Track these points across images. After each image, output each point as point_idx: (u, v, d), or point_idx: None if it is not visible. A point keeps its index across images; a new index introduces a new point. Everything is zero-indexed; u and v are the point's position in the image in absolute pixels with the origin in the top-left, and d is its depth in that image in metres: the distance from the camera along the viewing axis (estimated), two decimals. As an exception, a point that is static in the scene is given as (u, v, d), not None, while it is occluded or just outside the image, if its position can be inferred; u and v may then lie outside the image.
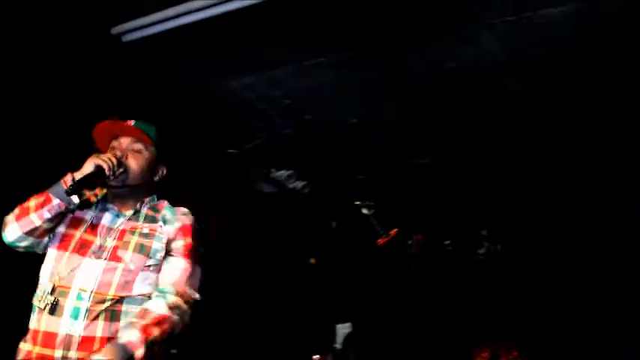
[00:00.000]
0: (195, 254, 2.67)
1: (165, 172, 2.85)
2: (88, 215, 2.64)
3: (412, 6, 3.84)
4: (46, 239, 2.59)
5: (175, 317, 2.46)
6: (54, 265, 2.52)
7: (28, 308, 2.55)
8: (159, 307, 2.45)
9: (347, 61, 4.47)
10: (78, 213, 2.62)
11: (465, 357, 6.27)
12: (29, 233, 2.50)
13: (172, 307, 2.46)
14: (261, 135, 5.65)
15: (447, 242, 7.07)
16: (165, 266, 2.59)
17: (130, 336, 2.31)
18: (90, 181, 2.46)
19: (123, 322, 2.44)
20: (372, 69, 4.56)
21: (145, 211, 2.72)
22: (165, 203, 2.81)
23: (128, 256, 2.53)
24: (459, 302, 6.63)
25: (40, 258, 2.62)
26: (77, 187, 2.42)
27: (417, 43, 4.22)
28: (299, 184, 6.58)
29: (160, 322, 2.40)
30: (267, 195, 6.65)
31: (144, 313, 2.43)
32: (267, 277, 6.51)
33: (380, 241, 6.62)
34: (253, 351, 6.33)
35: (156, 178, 2.82)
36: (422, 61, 4.44)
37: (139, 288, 2.53)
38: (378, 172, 6.39)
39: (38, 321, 2.46)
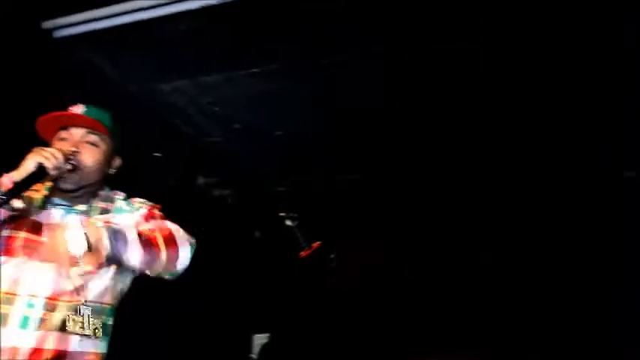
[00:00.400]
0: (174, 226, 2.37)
1: (119, 163, 2.55)
2: (33, 213, 2.28)
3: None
4: None
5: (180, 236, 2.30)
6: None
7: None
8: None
9: (276, 73, 4.49)
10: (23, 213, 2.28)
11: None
12: None
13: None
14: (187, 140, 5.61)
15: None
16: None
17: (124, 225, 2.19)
18: (31, 183, 2.10)
19: (75, 336, 2.19)
20: (299, 82, 4.59)
21: (97, 203, 2.41)
22: (120, 194, 2.53)
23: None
24: (379, 316, 6.69)
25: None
26: (15, 192, 2.05)
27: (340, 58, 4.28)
28: (224, 193, 6.56)
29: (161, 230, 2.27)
30: (191, 201, 6.60)
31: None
32: (186, 285, 6.43)
33: (303, 253, 6.65)
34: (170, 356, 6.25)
35: (112, 171, 2.52)
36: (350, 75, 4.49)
37: (95, 293, 2.27)
38: (304, 184, 6.43)
39: None
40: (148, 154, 5.75)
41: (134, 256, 2.12)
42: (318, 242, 6.68)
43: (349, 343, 6.48)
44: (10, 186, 2.06)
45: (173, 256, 2.23)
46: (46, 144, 2.39)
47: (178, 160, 5.98)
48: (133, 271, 2.37)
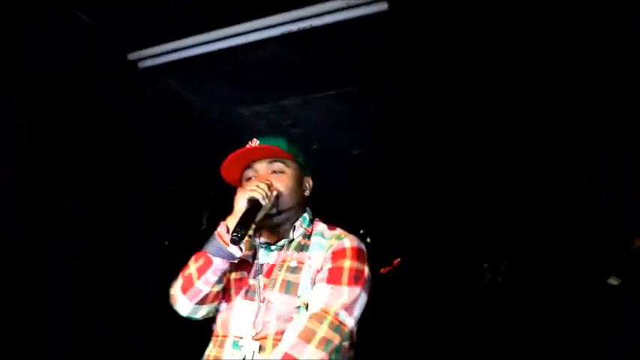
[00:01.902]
0: (348, 277, 2.12)
1: (311, 183, 2.43)
2: (241, 255, 2.23)
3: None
4: (218, 303, 2.28)
5: (306, 342, 2.01)
6: (220, 318, 2.27)
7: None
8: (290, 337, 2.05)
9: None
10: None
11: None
12: (201, 302, 2.20)
13: (308, 332, 2.03)
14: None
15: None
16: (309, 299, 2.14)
17: None
18: (250, 219, 2.09)
19: None
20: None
21: (297, 238, 2.31)
22: (319, 225, 2.36)
23: (274, 296, 2.17)
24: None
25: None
26: (241, 232, 2.02)
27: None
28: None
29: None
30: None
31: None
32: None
33: (384, 270, 6.66)
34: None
35: (306, 193, 2.40)
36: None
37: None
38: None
39: None
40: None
41: None
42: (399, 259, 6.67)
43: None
44: (235, 231, 2.04)
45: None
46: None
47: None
48: None
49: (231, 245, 2.09)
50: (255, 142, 2.30)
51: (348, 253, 2.17)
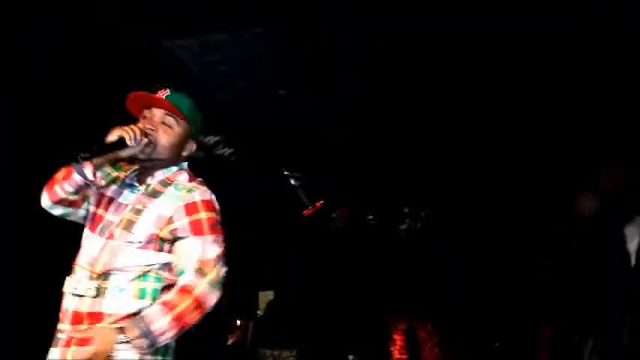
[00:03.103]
0: (208, 227, 2.45)
1: (194, 147, 2.69)
2: (111, 191, 2.58)
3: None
4: (81, 211, 2.58)
5: (203, 293, 2.32)
6: (82, 244, 2.53)
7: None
8: (186, 285, 2.34)
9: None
10: (106, 189, 2.58)
11: (382, 326, 6.45)
12: (57, 203, 2.51)
13: (200, 283, 2.33)
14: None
15: (370, 217, 7.22)
16: (177, 251, 2.43)
17: (151, 309, 2.28)
18: (110, 149, 2.38)
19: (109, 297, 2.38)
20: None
21: (152, 184, 2.57)
22: (182, 175, 2.63)
23: (117, 232, 2.44)
24: (378, 275, 6.77)
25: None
26: (95, 154, 2.34)
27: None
28: (227, 151, 6.57)
29: (188, 298, 2.29)
30: (194, 160, 6.61)
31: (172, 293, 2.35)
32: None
33: (306, 212, 6.69)
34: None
35: (184, 154, 2.66)
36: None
37: (123, 262, 2.40)
38: (305, 143, 6.45)
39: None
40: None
41: (170, 337, 2.29)
42: (322, 201, 6.71)
43: (353, 298, 6.58)
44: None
45: (201, 316, 2.35)
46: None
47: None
48: None
49: (87, 167, 2.37)
50: (164, 93, 2.58)
51: (200, 205, 2.47)
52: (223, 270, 2.40)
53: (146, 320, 2.24)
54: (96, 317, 2.32)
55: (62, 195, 2.47)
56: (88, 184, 2.45)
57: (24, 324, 4.27)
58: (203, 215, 2.45)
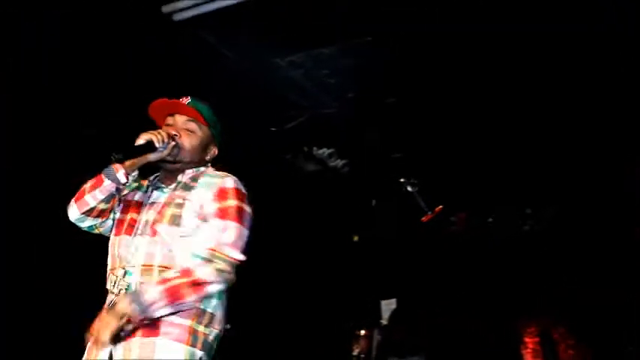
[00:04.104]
0: (234, 215, 2.50)
1: (216, 152, 2.82)
2: (138, 196, 2.68)
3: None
4: (109, 222, 2.66)
5: (204, 275, 2.34)
6: (111, 250, 2.59)
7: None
8: (188, 268, 2.37)
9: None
10: (131, 196, 2.69)
11: (512, 333, 6.31)
12: (87, 213, 2.57)
13: (204, 266, 2.37)
14: (302, 113, 5.68)
15: (490, 220, 7.06)
16: (198, 232, 2.47)
17: (149, 287, 2.32)
18: (137, 152, 2.48)
19: None
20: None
21: (184, 180, 2.65)
22: (209, 170, 2.75)
23: (163, 228, 2.48)
24: (503, 279, 6.63)
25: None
26: (119, 156, 2.42)
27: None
28: (340, 163, 6.60)
29: (185, 277, 2.32)
30: (308, 173, 6.68)
31: (171, 272, 2.38)
32: (311, 255, 6.56)
33: (424, 218, 6.62)
34: (300, 327, 6.42)
35: (207, 158, 2.78)
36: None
37: (182, 260, 2.44)
38: (420, 149, 6.41)
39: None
40: (264, 130, 5.87)
41: (164, 312, 2.31)
42: (441, 206, 6.64)
43: (475, 304, 6.47)
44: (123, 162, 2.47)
45: (200, 296, 2.37)
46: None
47: (294, 134, 6.06)
48: None
49: (119, 171, 2.46)
50: (185, 100, 2.70)
51: (231, 193, 2.55)
52: (237, 257, 2.43)
53: (139, 291, 2.31)
54: None
55: (93, 204, 2.54)
56: (119, 189, 2.57)
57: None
58: (231, 202, 2.52)
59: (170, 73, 4.58)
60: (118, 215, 2.65)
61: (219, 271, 2.37)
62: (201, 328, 2.40)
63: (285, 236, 6.50)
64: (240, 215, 2.51)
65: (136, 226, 2.55)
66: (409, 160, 6.56)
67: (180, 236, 2.45)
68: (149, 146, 2.47)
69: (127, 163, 2.48)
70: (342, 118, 5.74)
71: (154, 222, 2.50)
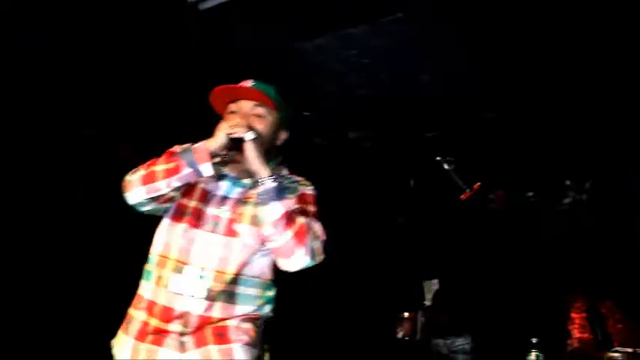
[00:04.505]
0: (315, 218, 2.43)
1: (286, 136, 2.64)
2: (203, 183, 2.48)
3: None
4: (169, 205, 2.46)
5: (321, 233, 2.38)
6: (168, 236, 2.43)
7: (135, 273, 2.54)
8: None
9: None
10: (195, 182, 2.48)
11: (559, 309, 6.22)
12: (154, 199, 2.36)
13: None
14: (335, 96, 5.63)
15: (530, 194, 6.95)
16: None
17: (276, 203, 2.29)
18: (234, 147, 2.34)
19: (239, 305, 2.38)
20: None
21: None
22: (284, 170, 2.63)
23: (243, 229, 2.38)
24: (545, 255, 6.52)
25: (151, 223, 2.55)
26: (230, 156, 2.40)
27: None
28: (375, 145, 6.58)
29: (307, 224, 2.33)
30: (344, 156, 6.66)
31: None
32: (352, 239, 6.52)
33: (463, 196, 6.53)
34: (344, 309, 6.41)
35: (277, 143, 2.61)
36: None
37: (258, 267, 2.42)
38: (454, 127, 6.33)
39: (154, 292, 2.39)
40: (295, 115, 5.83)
41: (270, 214, 2.26)
42: (479, 183, 6.53)
43: (520, 282, 6.38)
44: (207, 153, 2.31)
45: (292, 246, 2.28)
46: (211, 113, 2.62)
47: (325, 118, 6.02)
48: None
49: (205, 162, 2.28)
50: (249, 83, 2.53)
51: (311, 199, 2.50)
52: (322, 253, 2.38)
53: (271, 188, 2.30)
54: (206, 320, 2.33)
55: (166, 191, 2.33)
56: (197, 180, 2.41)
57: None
58: (311, 208, 2.47)
59: (196, 64, 4.58)
60: (180, 199, 2.46)
61: (320, 250, 2.36)
62: (257, 330, 2.42)
63: (325, 221, 6.49)
64: (318, 220, 2.44)
65: (204, 219, 2.41)
66: (444, 139, 6.49)
67: (261, 240, 2.36)
68: (239, 140, 2.33)
69: (215, 156, 2.34)
70: (375, 99, 5.69)
71: (231, 220, 2.40)
